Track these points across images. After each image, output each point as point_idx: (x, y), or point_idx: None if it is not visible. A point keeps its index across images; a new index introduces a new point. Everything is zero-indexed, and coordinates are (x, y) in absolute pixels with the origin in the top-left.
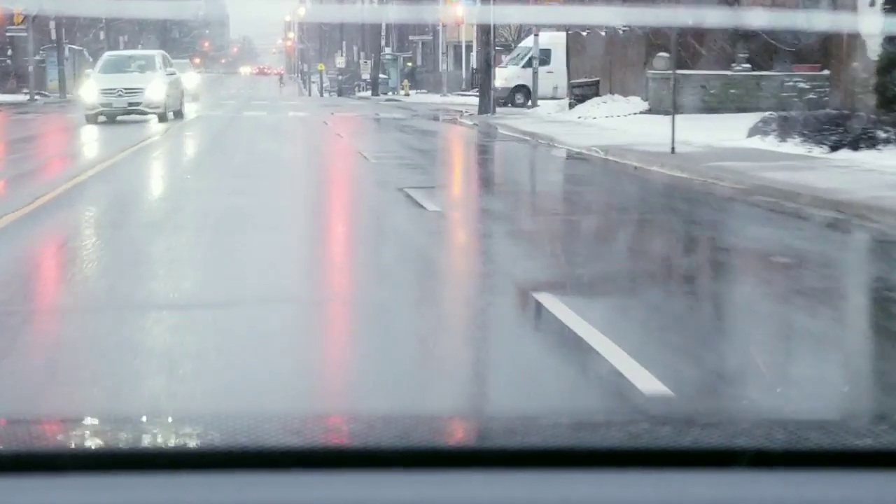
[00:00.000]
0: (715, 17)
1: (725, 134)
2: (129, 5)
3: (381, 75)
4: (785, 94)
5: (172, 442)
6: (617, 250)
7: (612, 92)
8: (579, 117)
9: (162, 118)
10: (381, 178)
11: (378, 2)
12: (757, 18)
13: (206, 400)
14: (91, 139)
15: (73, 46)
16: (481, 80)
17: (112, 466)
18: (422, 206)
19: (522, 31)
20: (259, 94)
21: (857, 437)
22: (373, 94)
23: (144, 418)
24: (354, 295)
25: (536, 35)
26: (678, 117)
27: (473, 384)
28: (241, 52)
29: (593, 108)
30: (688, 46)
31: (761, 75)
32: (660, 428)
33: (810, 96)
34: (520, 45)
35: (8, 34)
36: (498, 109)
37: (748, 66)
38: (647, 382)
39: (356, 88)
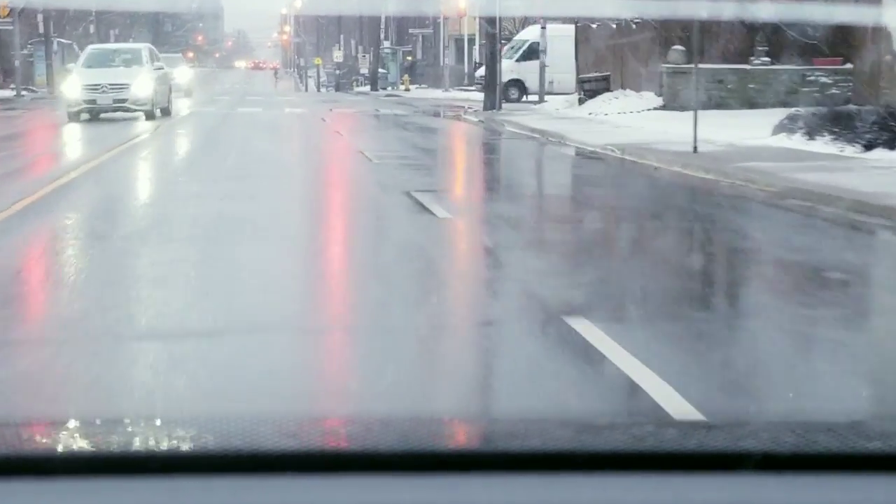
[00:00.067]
0: (732, 9)
1: (747, 131)
2: None
3: (380, 70)
4: (806, 89)
5: (165, 445)
6: (652, 265)
7: (623, 87)
8: (590, 114)
9: (149, 115)
10: (385, 181)
11: None
12: (775, 10)
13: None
14: (76, 138)
15: (61, 40)
16: (487, 74)
17: (103, 470)
18: (431, 213)
19: (528, 24)
20: (254, 90)
21: (866, 440)
22: (371, 90)
23: (136, 421)
24: (360, 322)
25: (543, 27)
26: (694, 114)
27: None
28: (235, 46)
29: (604, 103)
30: (704, 39)
31: (781, 69)
32: (664, 430)
33: (832, 91)
34: (514, 38)
35: None
36: (504, 105)
37: (767, 59)
38: None
39: (354, 83)
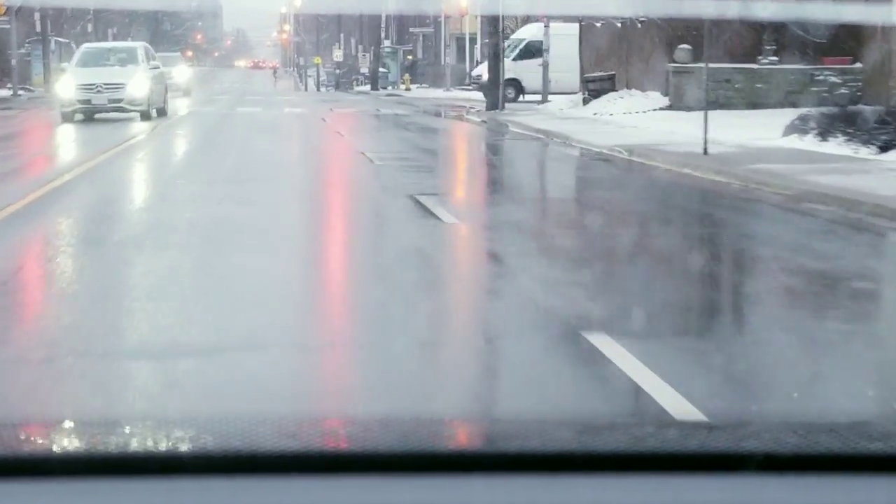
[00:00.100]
0: (738, 7)
1: (756, 132)
2: None
3: (380, 69)
4: (815, 89)
5: (164, 446)
6: (673, 274)
7: (628, 86)
8: (595, 114)
9: (145, 116)
10: (388, 183)
11: None
12: (783, 9)
13: None
14: (70, 139)
15: (59, 39)
16: (490, 73)
17: (102, 471)
18: (436, 217)
19: (530, 22)
20: (253, 89)
21: (868, 441)
22: (372, 89)
23: (135, 422)
24: (366, 339)
25: (547, 26)
26: (704, 114)
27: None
28: (234, 45)
29: (609, 103)
30: (711, 38)
31: (789, 69)
32: (665, 431)
33: (842, 91)
34: (511, 37)
35: None
36: (507, 105)
37: (775, 59)
38: None
39: (354, 83)
